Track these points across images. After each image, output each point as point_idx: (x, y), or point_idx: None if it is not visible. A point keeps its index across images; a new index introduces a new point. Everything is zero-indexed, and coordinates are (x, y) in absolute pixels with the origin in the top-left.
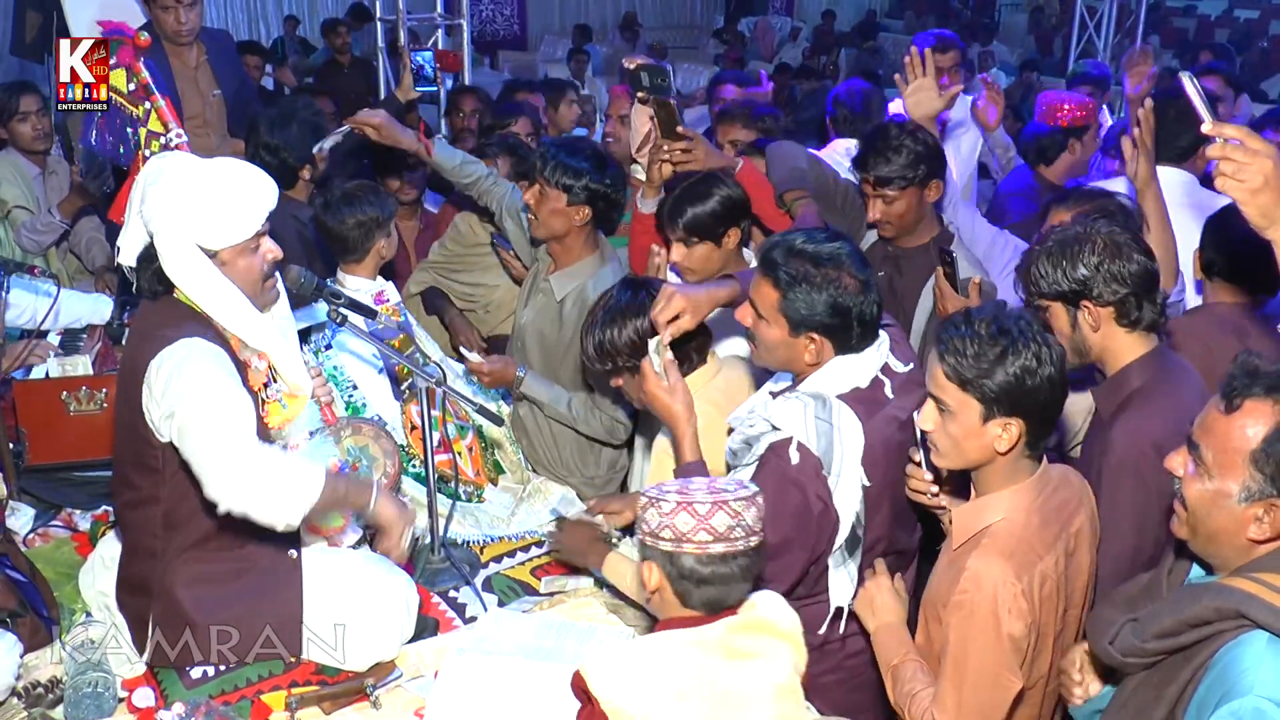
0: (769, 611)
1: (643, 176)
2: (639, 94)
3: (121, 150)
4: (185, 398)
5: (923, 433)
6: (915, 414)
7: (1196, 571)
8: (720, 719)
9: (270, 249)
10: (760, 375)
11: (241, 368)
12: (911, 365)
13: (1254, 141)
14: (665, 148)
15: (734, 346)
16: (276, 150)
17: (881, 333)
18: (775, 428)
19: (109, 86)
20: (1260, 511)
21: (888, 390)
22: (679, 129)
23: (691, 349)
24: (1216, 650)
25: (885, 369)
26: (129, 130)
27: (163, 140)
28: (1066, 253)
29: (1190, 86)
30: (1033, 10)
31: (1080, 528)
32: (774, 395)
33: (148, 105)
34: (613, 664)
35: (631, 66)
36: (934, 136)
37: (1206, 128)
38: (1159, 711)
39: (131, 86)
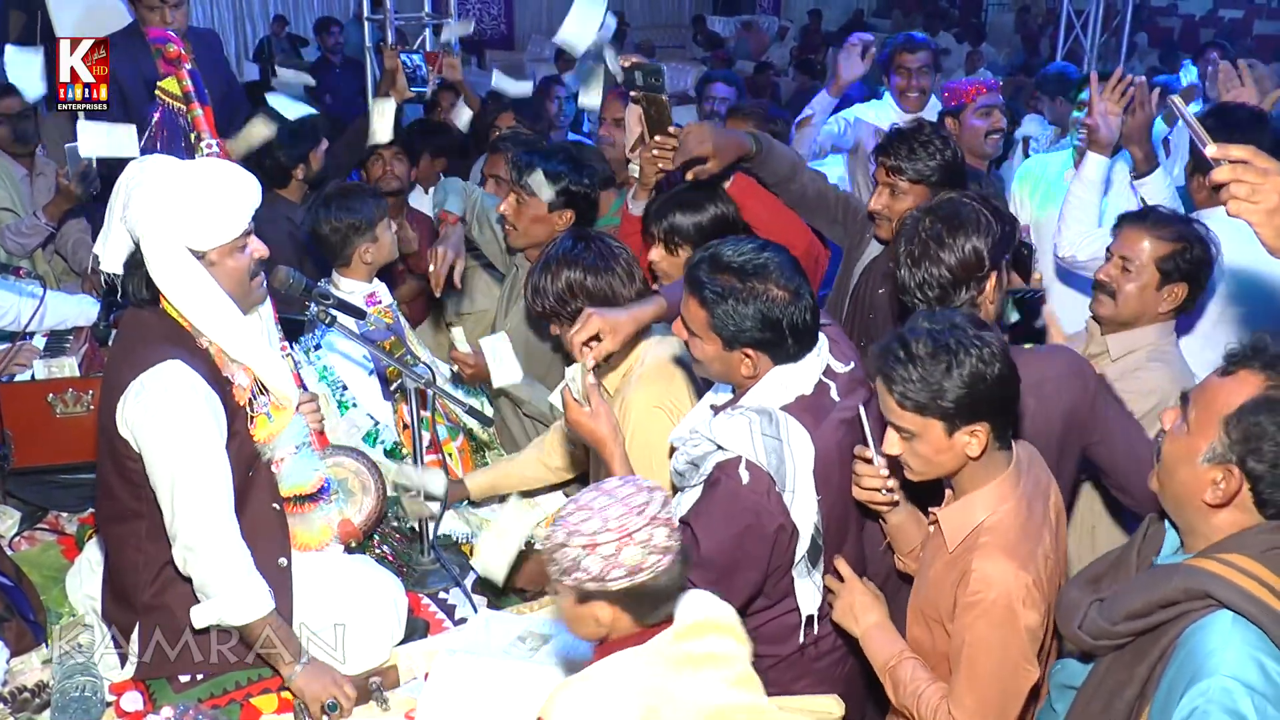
0: (709, 610)
1: (637, 173)
2: (631, 93)
3: (176, 151)
4: (161, 453)
5: (872, 426)
6: (861, 410)
7: (1166, 550)
8: None
9: (257, 247)
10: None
11: (224, 385)
12: (853, 364)
13: (1261, 160)
14: (655, 144)
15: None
16: (270, 149)
17: (820, 335)
18: (720, 447)
19: (165, 92)
20: (1219, 476)
21: (833, 393)
22: (671, 129)
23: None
24: (1184, 629)
25: (828, 371)
26: (186, 133)
27: (200, 147)
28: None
29: (1183, 111)
30: (1019, 10)
31: (1056, 499)
32: (715, 409)
33: (190, 113)
34: (577, 702)
35: (626, 65)
36: (962, 155)
37: (1210, 151)
38: (1131, 690)
39: (181, 92)
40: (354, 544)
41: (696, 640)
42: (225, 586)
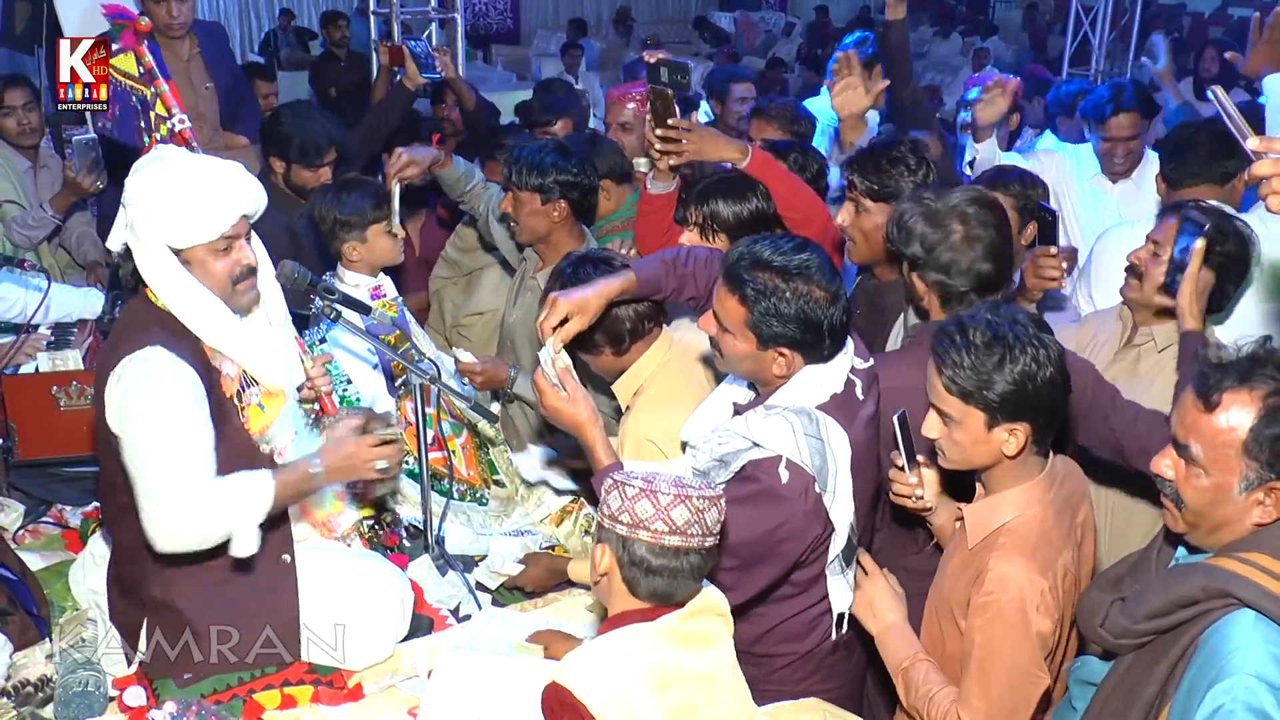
0: (708, 599)
1: (644, 168)
2: (652, 86)
3: (127, 130)
4: (133, 429)
5: (905, 435)
6: (895, 419)
7: (1181, 552)
8: (700, 702)
9: (244, 255)
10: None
11: (213, 374)
12: (870, 361)
13: None
14: (658, 137)
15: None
16: (277, 118)
17: (849, 334)
18: (756, 444)
19: (116, 70)
20: (1262, 496)
21: (859, 390)
22: (670, 120)
23: (600, 338)
24: (1205, 629)
25: (852, 368)
26: (140, 111)
27: (168, 125)
28: (930, 224)
29: (1224, 103)
30: (1027, 7)
31: (1086, 518)
32: (738, 408)
33: (153, 89)
34: (593, 668)
35: (652, 60)
36: (936, 174)
37: (1252, 144)
38: (1150, 689)
39: (140, 70)
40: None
41: (698, 621)
42: (227, 527)
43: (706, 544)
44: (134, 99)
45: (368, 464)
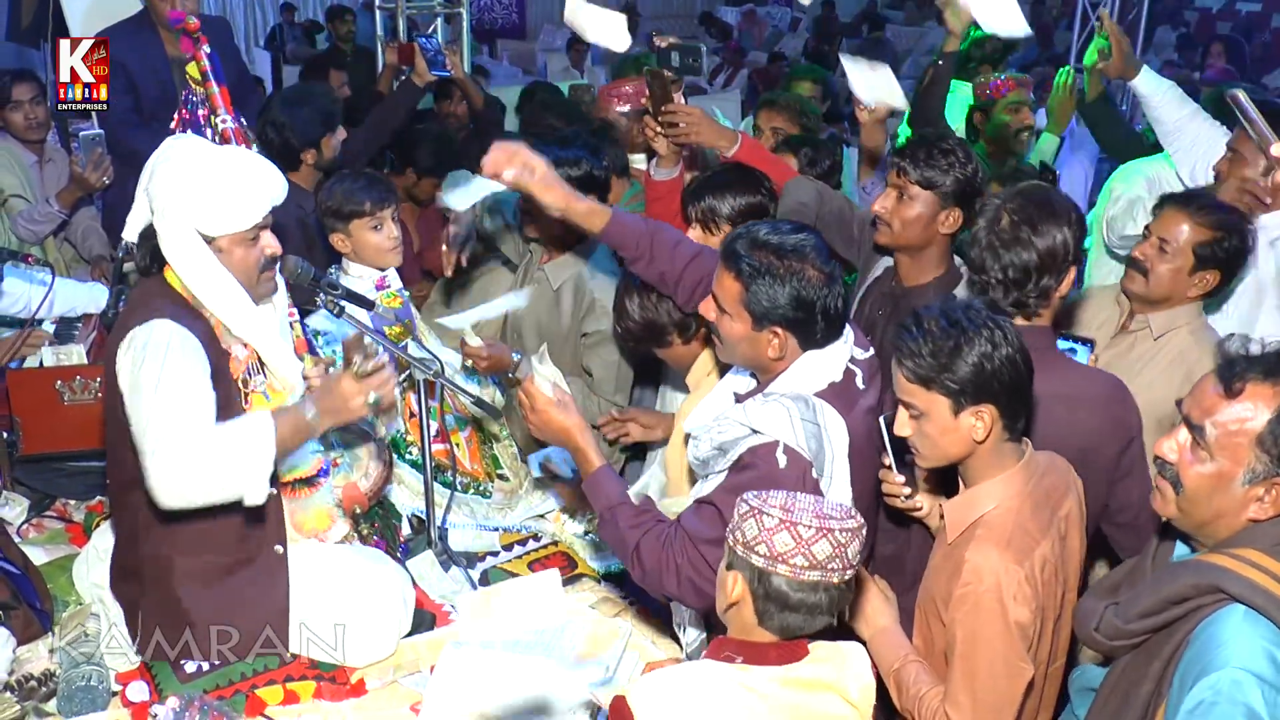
0: (842, 674)
1: (642, 165)
2: (649, 70)
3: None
4: (139, 390)
5: (891, 436)
6: (881, 420)
7: (1180, 550)
8: None
9: (269, 244)
10: None
11: (221, 355)
12: (871, 351)
13: None
14: (658, 120)
15: None
16: (282, 128)
17: (846, 324)
18: (754, 431)
19: (190, 77)
20: (1262, 491)
21: (859, 381)
22: (665, 106)
23: (668, 326)
24: (1197, 625)
25: (852, 358)
26: (209, 117)
27: (216, 123)
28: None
29: (1246, 107)
30: (1034, 2)
31: (1070, 511)
32: (738, 397)
33: (205, 91)
34: (662, 696)
35: (663, 45)
36: (984, 173)
37: (1276, 150)
38: (1146, 687)
39: (200, 74)
40: (358, 510)
41: (813, 694)
42: (233, 474)
43: (847, 577)
44: (199, 108)
45: (358, 399)
